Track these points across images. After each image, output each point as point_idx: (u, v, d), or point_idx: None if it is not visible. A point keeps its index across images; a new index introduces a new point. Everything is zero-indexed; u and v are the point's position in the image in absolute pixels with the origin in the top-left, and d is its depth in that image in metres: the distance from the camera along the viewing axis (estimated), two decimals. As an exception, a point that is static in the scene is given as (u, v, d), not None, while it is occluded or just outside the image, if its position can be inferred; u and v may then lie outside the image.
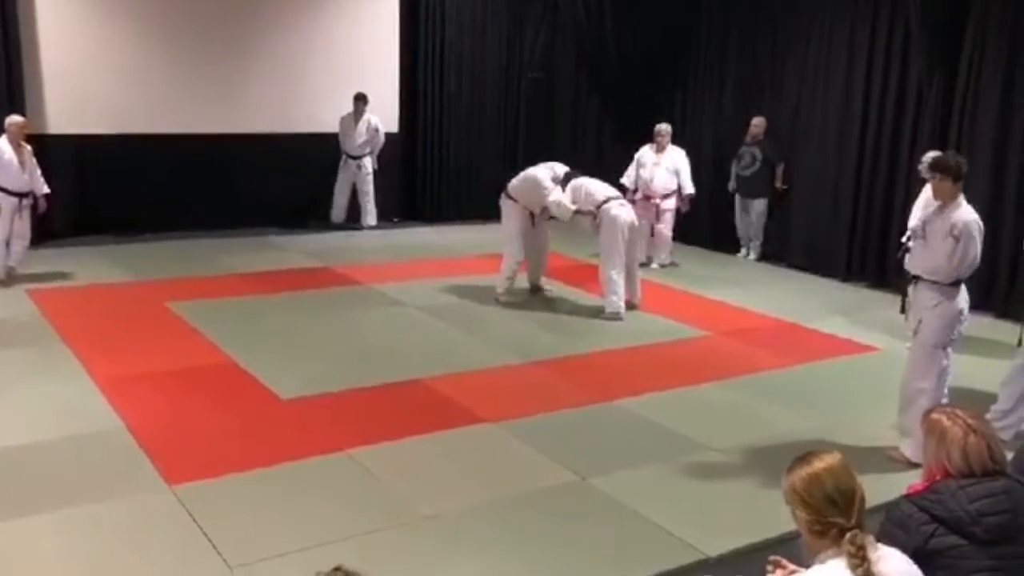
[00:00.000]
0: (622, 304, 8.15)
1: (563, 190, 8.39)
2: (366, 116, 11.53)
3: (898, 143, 9.36)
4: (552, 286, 8.97)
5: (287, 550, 4.03)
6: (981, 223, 5.03)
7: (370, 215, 11.89)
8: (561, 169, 8.52)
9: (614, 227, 8.11)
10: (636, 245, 8.49)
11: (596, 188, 8.37)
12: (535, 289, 8.92)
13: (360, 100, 11.43)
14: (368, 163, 11.70)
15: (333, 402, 5.85)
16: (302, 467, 4.89)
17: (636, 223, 8.34)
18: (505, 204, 8.61)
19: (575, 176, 8.51)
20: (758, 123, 10.46)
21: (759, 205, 10.59)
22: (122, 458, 4.92)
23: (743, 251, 10.92)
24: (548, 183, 8.37)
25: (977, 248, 4.99)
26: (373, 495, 4.62)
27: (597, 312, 8.27)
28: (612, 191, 8.45)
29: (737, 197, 10.77)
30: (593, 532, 4.34)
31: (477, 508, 4.53)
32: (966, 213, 5.01)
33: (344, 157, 11.64)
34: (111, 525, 4.23)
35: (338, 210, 11.84)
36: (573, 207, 8.30)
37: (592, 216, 8.28)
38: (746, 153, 10.50)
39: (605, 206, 8.18)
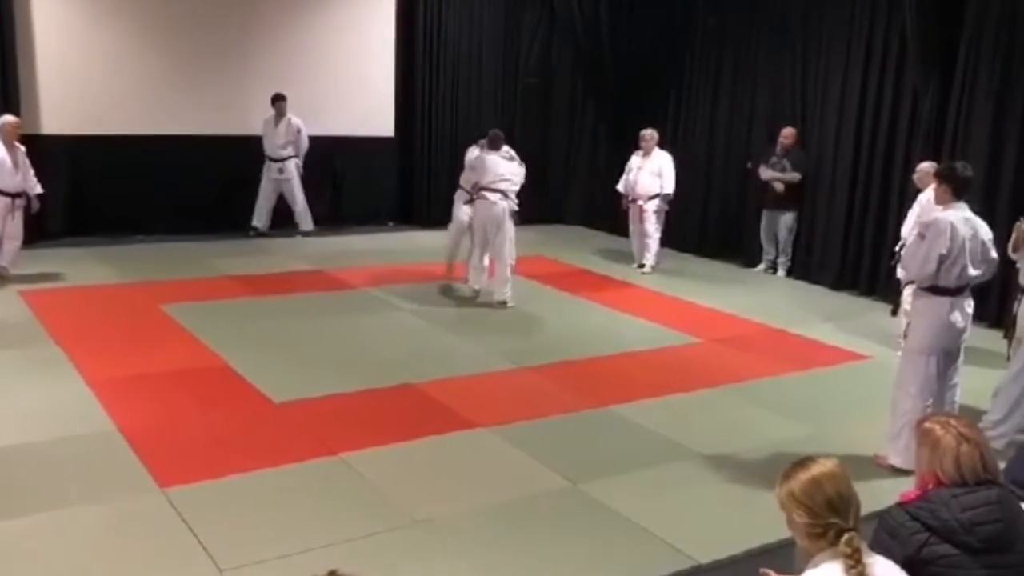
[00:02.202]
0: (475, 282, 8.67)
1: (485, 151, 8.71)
2: (287, 116, 11.02)
3: (892, 152, 9.39)
4: (545, 290, 8.96)
5: (279, 554, 4.02)
6: (962, 228, 4.92)
7: (304, 221, 11.34)
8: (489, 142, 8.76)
9: (474, 214, 8.54)
10: (500, 239, 8.38)
11: (486, 171, 8.38)
12: (448, 270, 9.33)
13: (280, 99, 10.93)
14: (292, 166, 11.14)
15: (326, 406, 5.84)
16: (294, 471, 4.88)
17: (496, 219, 8.30)
18: (456, 193, 9.23)
19: (495, 144, 8.61)
20: (788, 134, 10.07)
21: (788, 219, 10.24)
22: (114, 460, 4.90)
23: (762, 265, 10.57)
24: (468, 162, 8.92)
25: (941, 248, 4.88)
26: (366, 499, 4.62)
27: (591, 318, 8.30)
28: (492, 178, 8.34)
29: (764, 211, 10.42)
30: (584, 538, 4.34)
31: (469, 513, 4.53)
32: (944, 213, 5.01)
33: (266, 161, 11.13)
34: (101, 527, 4.22)
35: (262, 216, 11.28)
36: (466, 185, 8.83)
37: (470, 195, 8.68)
38: (776, 165, 10.16)
39: (476, 192, 8.48)
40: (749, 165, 10.52)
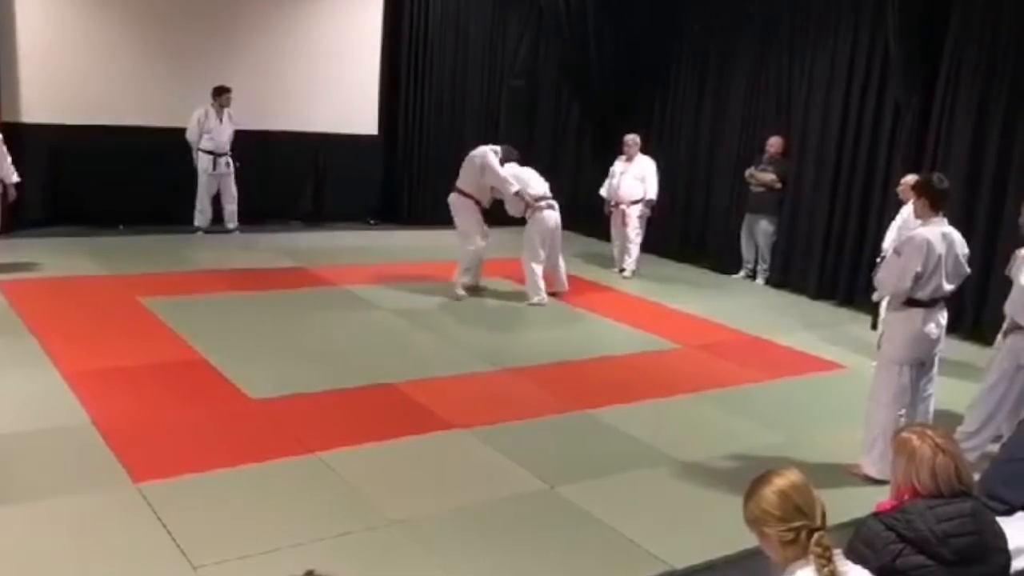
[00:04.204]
0: (544, 295, 8.81)
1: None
2: (228, 109, 10.70)
3: (874, 164, 9.46)
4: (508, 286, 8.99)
5: (252, 552, 3.99)
6: (938, 244, 4.97)
7: (234, 218, 11.03)
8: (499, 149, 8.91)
9: (540, 226, 8.79)
10: (559, 243, 9.13)
11: (533, 182, 8.87)
12: (475, 288, 9.02)
13: (226, 91, 10.62)
14: (231, 160, 10.84)
15: (303, 403, 5.81)
16: (270, 468, 4.85)
17: (559, 225, 9.02)
18: (458, 201, 8.83)
19: (512, 156, 8.92)
20: (774, 142, 10.10)
21: (766, 225, 10.26)
22: (87, 453, 4.85)
23: (742, 273, 10.59)
24: (503, 171, 8.74)
25: (916, 266, 4.94)
26: (342, 498, 4.60)
27: (571, 321, 8.33)
28: (545, 188, 8.93)
29: (745, 215, 10.41)
30: (560, 541, 4.34)
31: (446, 514, 4.52)
32: (921, 230, 5.06)
33: (211, 157, 10.71)
34: (73, 521, 4.17)
35: (207, 215, 10.91)
36: (515, 187, 8.77)
37: (525, 207, 8.82)
38: (763, 171, 10.15)
39: (538, 204, 8.77)
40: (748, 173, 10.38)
